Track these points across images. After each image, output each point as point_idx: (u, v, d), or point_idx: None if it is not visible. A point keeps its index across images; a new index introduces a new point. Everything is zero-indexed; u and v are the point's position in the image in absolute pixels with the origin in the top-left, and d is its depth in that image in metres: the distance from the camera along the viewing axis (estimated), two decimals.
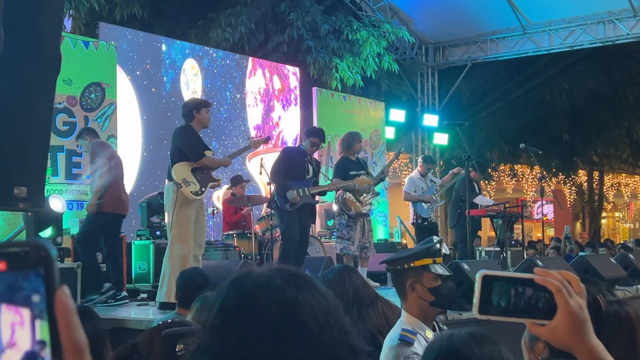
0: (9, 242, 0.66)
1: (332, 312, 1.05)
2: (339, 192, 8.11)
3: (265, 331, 1.00)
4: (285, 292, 1.03)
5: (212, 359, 1.02)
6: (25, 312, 0.64)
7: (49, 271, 0.65)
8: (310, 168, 7.69)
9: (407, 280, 3.00)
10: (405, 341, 2.85)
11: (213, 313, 1.05)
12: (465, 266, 5.91)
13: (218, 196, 11.63)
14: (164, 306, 6.22)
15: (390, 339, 2.92)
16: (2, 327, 0.64)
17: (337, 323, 1.05)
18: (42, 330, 0.65)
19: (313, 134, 7.74)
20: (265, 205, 10.04)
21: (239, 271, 1.10)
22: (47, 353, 0.64)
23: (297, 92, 13.64)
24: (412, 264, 3.01)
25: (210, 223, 11.04)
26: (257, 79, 12.84)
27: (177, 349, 2.70)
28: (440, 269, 3.04)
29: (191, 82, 11.64)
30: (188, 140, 6.55)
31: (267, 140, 7.44)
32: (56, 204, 7.02)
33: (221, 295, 1.06)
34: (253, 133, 12.55)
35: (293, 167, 7.52)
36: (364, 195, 8.13)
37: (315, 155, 8.08)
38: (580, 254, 12.29)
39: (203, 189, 6.49)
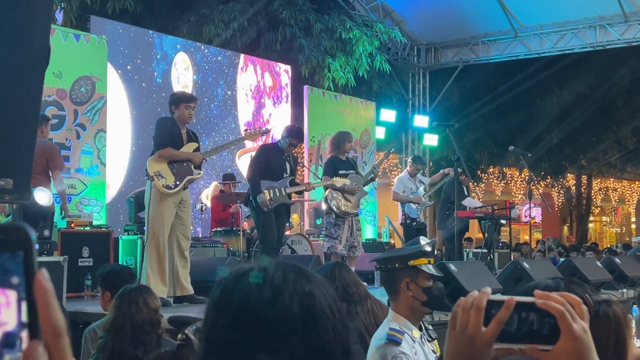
0: None
1: (337, 300, 1.11)
2: (328, 190, 8.10)
3: (292, 324, 1.04)
4: (302, 285, 1.07)
5: (245, 356, 1.03)
6: (12, 294, 0.65)
7: (28, 254, 0.65)
8: (288, 166, 7.61)
9: (403, 279, 3.01)
10: (393, 340, 2.86)
11: (230, 312, 1.05)
12: (452, 267, 5.92)
13: (207, 195, 11.60)
14: None
15: (377, 338, 2.93)
16: None
17: (342, 310, 1.11)
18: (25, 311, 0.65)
19: (291, 134, 7.61)
20: None
21: (240, 268, 1.10)
22: (25, 334, 0.65)
23: (289, 89, 13.63)
24: (409, 263, 3.03)
25: (199, 220, 11.02)
26: (248, 75, 12.82)
27: (178, 338, 2.71)
28: (434, 270, 3.06)
29: (182, 76, 11.60)
30: (157, 130, 6.51)
31: (264, 132, 7.30)
32: (42, 197, 6.96)
33: (239, 294, 1.06)
34: (244, 129, 12.52)
35: (271, 166, 7.46)
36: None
37: (305, 154, 8.05)
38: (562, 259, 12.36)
39: (178, 182, 6.36)
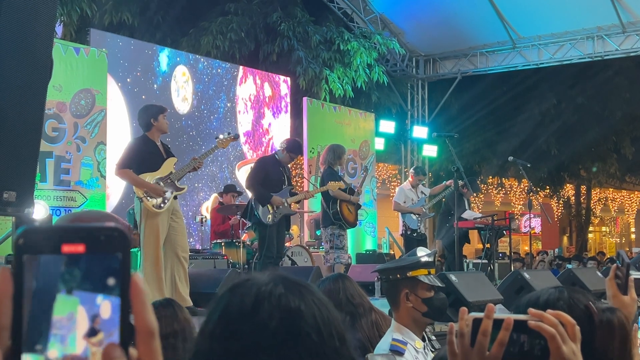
0: (89, 226, 0.67)
1: (333, 321, 1.04)
2: (336, 202, 8.18)
3: (267, 340, 0.98)
4: (288, 301, 1.01)
5: None
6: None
7: (126, 256, 0.66)
8: (285, 177, 7.72)
9: (402, 290, 3.02)
10: (396, 351, 2.86)
11: (214, 320, 1.03)
12: (453, 277, 5.93)
13: (207, 207, 11.59)
14: None
15: (380, 349, 2.93)
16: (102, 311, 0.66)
17: (339, 333, 1.04)
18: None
19: (293, 149, 7.75)
20: None
21: (240, 278, 1.09)
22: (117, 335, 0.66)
23: (288, 99, 13.65)
24: (408, 274, 3.03)
25: (198, 232, 11.01)
26: (247, 85, 12.85)
27: None
28: (435, 281, 3.06)
29: (181, 88, 11.62)
30: (127, 151, 6.51)
31: (235, 138, 7.32)
32: (38, 210, 6.96)
33: (222, 302, 1.04)
34: (243, 140, 12.53)
35: (270, 177, 7.52)
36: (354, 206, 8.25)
37: (305, 165, 8.11)
38: (568, 266, 12.36)
39: (166, 201, 6.39)
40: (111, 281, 0.65)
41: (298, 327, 1.00)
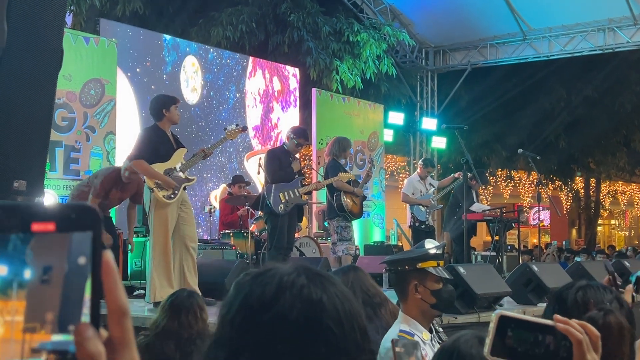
0: (59, 204, 0.67)
1: (355, 314, 1.03)
2: (340, 194, 8.18)
3: (287, 331, 0.97)
4: (310, 292, 1.00)
5: (230, 355, 1.00)
6: None
7: (97, 234, 0.66)
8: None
9: (411, 281, 3.02)
10: None
11: (234, 308, 1.02)
12: (461, 269, 5.93)
13: (215, 195, 11.63)
14: (157, 305, 6.22)
15: (387, 340, 2.94)
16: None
17: (360, 327, 1.03)
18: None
19: (299, 135, 7.70)
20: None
21: (262, 267, 1.08)
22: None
23: (297, 93, 13.64)
24: (417, 266, 3.03)
25: (207, 222, 11.04)
26: (257, 79, 12.84)
27: None
28: (443, 272, 3.06)
29: (191, 79, 11.63)
30: (139, 141, 6.50)
31: (244, 129, 7.29)
32: (47, 199, 6.98)
33: (243, 291, 1.03)
34: (252, 134, 12.53)
35: (282, 168, 7.53)
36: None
37: (313, 156, 8.10)
38: (577, 259, 12.34)
39: (177, 192, 6.39)
40: (82, 260, 0.65)
41: (319, 319, 0.98)
